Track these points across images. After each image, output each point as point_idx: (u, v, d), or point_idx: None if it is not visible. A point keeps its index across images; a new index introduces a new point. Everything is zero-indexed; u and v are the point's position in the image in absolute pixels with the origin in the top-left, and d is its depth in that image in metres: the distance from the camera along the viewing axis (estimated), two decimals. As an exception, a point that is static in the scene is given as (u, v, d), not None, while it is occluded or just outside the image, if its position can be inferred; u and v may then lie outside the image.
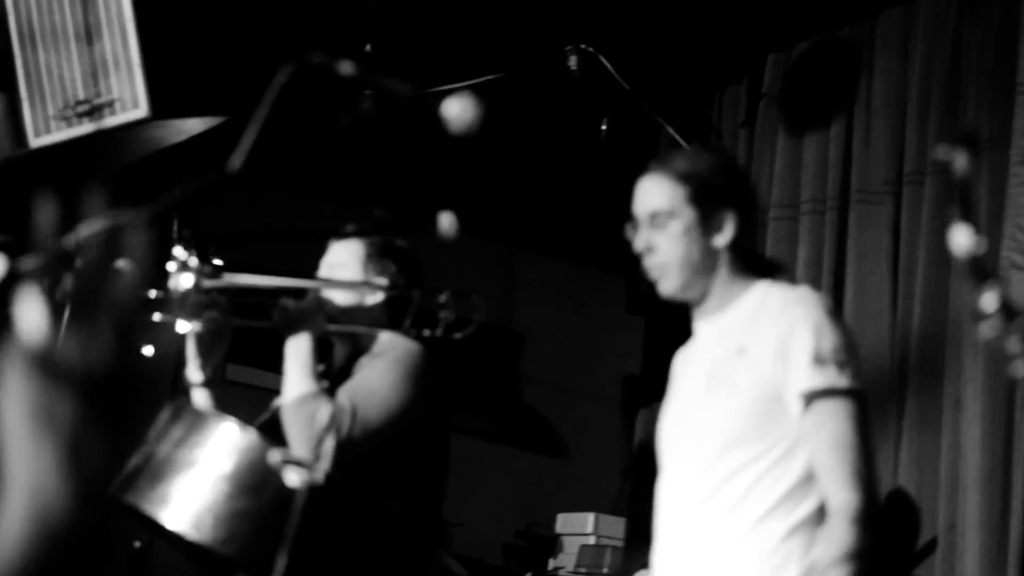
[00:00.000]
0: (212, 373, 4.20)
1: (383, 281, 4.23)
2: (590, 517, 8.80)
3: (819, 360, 3.19)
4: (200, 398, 4.18)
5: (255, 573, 3.06)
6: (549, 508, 9.06)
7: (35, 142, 5.33)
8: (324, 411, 3.75)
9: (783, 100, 6.43)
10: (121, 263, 2.56)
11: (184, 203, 2.35)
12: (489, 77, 6.13)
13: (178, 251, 3.81)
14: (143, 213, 2.38)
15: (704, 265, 3.45)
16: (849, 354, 3.23)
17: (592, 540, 8.68)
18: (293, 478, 2.88)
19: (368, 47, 5.74)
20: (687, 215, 3.46)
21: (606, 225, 8.84)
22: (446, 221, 3.55)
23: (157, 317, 4.14)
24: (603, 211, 8.76)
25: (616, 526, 8.44)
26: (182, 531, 3.03)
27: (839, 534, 3.09)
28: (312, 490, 2.69)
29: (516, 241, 9.61)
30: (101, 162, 5.81)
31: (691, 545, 3.35)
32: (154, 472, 3.14)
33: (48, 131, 5.34)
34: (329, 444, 3.68)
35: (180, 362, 4.50)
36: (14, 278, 2.16)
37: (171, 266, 3.85)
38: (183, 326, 6.40)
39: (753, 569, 3.21)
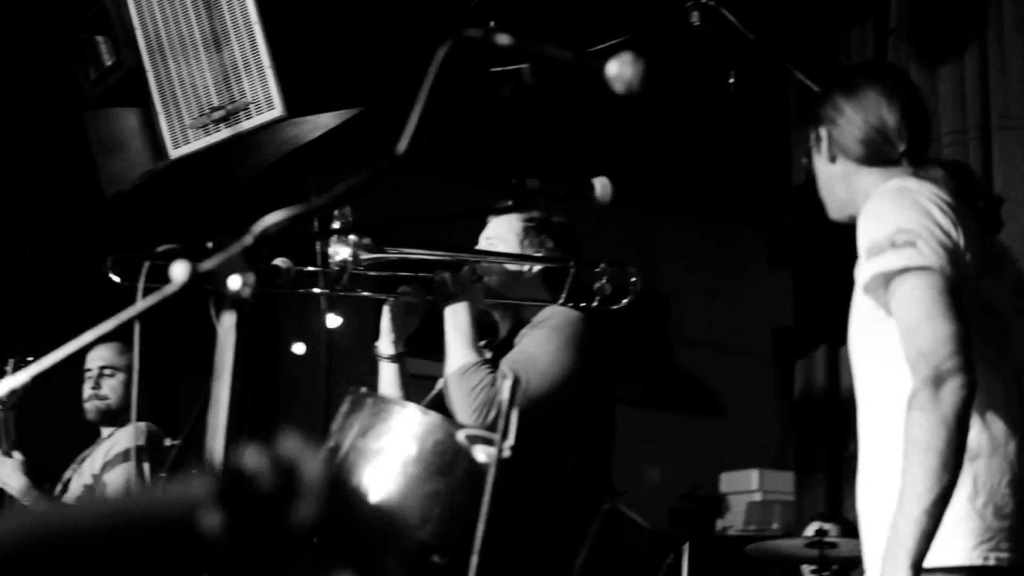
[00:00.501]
0: (403, 348, 4.23)
1: (540, 254, 4.23)
2: (754, 474, 8.75)
3: (872, 249, 3.06)
4: (388, 372, 4.22)
5: (452, 554, 3.06)
6: (711, 468, 9.03)
7: (174, 153, 5.38)
8: (489, 380, 3.75)
9: (912, 34, 6.31)
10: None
11: (357, 191, 2.34)
12: (614, 41, 6.10)
13: (336, 226, 3.86)
14: (317, 204, 2.38)
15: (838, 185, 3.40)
16: (912, 233, 3.04)
17: (758, 496, 8.63)
18: (481, 455, 2.87)
19: (492, 23, 5.73)
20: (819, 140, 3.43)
21: (742, 179, 8.82)
22: (601, 186, 3.53)
23: (319, 290, 4.21)
24: (737, 165, 8.75)
25: (781, 480, 8.38)
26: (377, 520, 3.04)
27: (905, 426, 2.94)
28: (509, 465, 2.68)
29: (652, 204, 9.56)
30: (243, 165, 5.87)
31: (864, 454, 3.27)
32: (341, 465, 3.16)
33: (187, 141, 5.39)
34: (491, 415, 3.69)
35: (331, 356, 4.54)
36: (195, 281, 2.17)
37: (331, 241, 3.90)
38: (334, 320, 6.45)
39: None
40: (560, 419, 3.95)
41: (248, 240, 2.25)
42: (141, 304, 2.36)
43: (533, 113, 6.34)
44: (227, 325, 2.19)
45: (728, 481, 8.92)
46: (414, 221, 3.98)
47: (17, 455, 5.54)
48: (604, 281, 4.12)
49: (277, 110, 5.14)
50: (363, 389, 3.30)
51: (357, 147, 5.39)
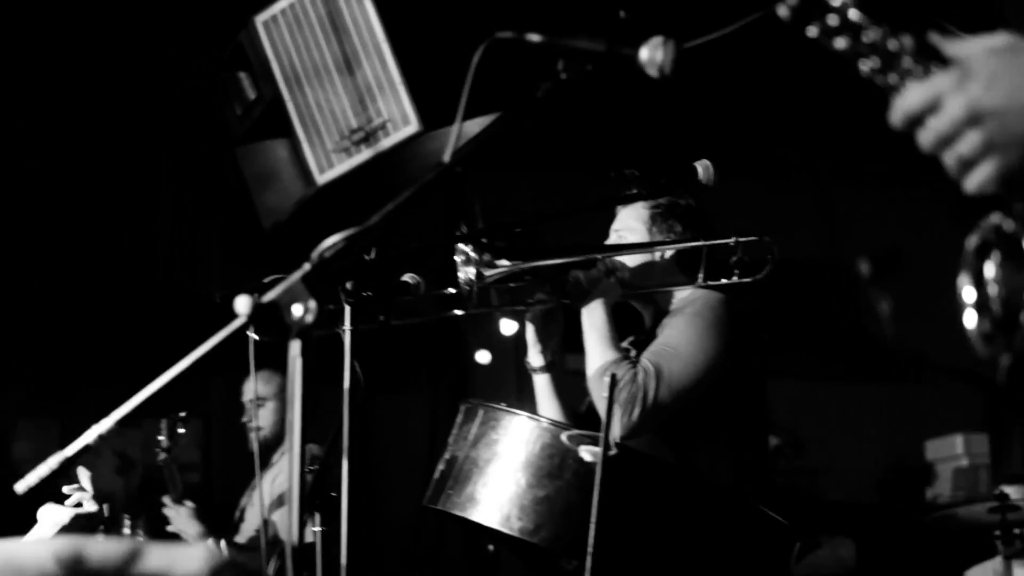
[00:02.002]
0: (552, 357, 4.23)
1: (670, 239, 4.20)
2: (959, 439, 8.52)
3: None
4: (541, 383, 4.23)
5: (573, 555, 3.05)
6: (915, 437, 8.84)
7: (321, 179, 5.46)
8: (630, 376, 3.72)
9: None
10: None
11: (407, 206, 2.35)
12: (755, 15, 5.99)
13: (460, 246, 3.88)
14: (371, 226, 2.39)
15: None
16: None
17: (964, 462, 8.41)
18: (587, 454, 2.85)
19: (622, 13, 5.68)
20: None
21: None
22: (703, 169, 3.48)
23: (460, 312, 4.23)
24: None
25: (987, 444, 8.17)
26: (493, 526, 3.05)
27: None
28: (615, 462, 2.66)
29: (831, 173, 9.41)
30: (388, 183, 5.93)
31: None
32: (456, 475, 3.17)
33: (331, 165, 5.46)
34: (636, 411, 3.65)
35: (520, 363, 4.55)
36: (259, 313, 2.20)
37: (457, 261, 3.92)
38: (508, 327, 6.47)
39: None
40: (708, 405, 3.90)
41: (306, 268, 2.27)
42: (218, 338, 2.39)
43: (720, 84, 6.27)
44: (293, 353, 2.21)
45: (933, 448, 8.72)
46: (541, 220, 3.97)
47: (188, 504, 5.68)
48: (740, 255, 4.06)
49: (413, 125, 5.19)
50: (473, 400, 3.32)
51: (515, 149, 5.44)
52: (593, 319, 3.96)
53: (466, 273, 3.85)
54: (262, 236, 5.89)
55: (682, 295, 4.11)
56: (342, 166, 5.38)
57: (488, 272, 3.87)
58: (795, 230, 8.33)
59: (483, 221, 4.05)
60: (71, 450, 2.39)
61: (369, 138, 5.29)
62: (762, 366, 4.11)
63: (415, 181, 6.10)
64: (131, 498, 8.73)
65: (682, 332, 3.91)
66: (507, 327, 7.20)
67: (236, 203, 6.70)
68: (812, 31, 1.98)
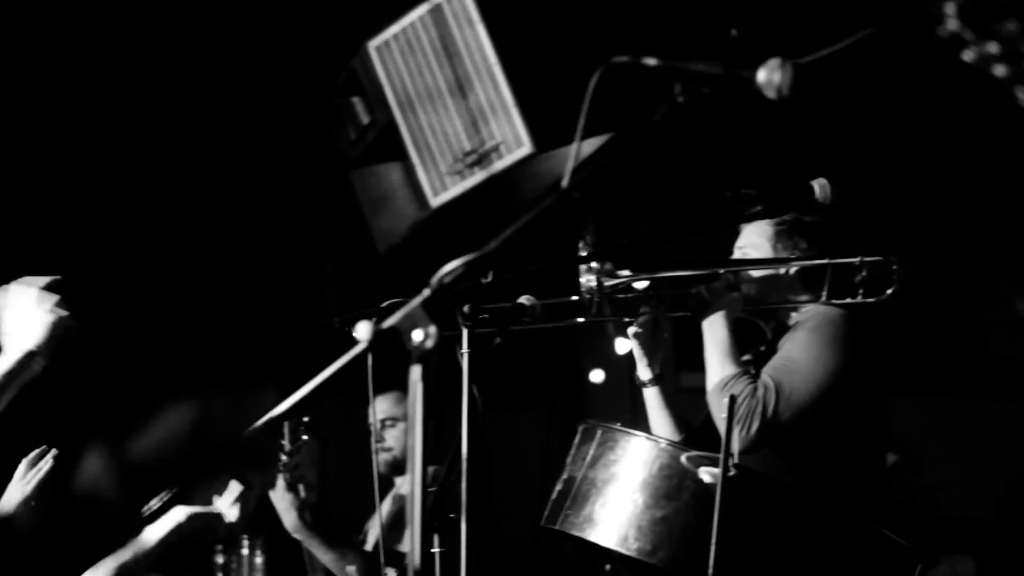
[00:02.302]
0: (660, 370, 4.23)
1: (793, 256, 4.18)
2: (1080, 454, 8.41)
3: None
4: (650, 397, 4.23)
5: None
6: (1035, 453, 8.72)
7: (435, 201, 5.51)
8: (749, 391, 3.71)
9: None
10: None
11: (526, 230, 2.38)
12: (867, 31, 5.96)
13: (583, 255, 3.90)
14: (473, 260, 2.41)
15: None
16: None
17: (1086, 478, 8.30)
18: (706, 476, 2.85)
19: (733, 31, 5.67)
20: None
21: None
22: (820, 188, 3.47)
23: (581, 320, 4.24)
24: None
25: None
26: (611, 547, 3.06)
27: None
28: (734, 483, 2.65)
29: (946, 191, 9.31)
30: (504, 206, 5.96)
31: None
32: (574, 496, 3.18)
33: (445, 188, 5.50)
34: (755, 426, 3.64)
35: (633, 381, 4.57)
36: (380, 339, 2.23)
37: (580, 269, 3.94)
38: (622, 346, 6.50)
39: None
40: (827, 421, 3.88)
41: (426, 292, 2.30)
42: (341, 363, 2.43)
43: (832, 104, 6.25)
44: (414, 378, 2.24)
45: (1054, 465, 8.59)
46: (664, 239, 3.98)
47: (302, 490, 5.67)
48: (864, 274, 4.05)
49: (526, 147, 5.21)
50: (591, 420, 3.33)
51: (630, 170, 5.45)
52: (714, 333, 3.96)
53: (587, 281, 3.88)
54: (377, 260, 5.95)
55: (803, 310, 4.10)
56: (456, 188, 5.42)
57: (609, 281, 3.89)
58: (911, 245, 8.25)
59: (597, 240, 4.07)
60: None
61: (482, 160, 5.32)
62: (883, 382, 4.08)
63: (528, 203, 6.14)
64: (248, 518, 8.82)
65: (803, 347, 3.90)
66: (621, 346, 7.20)
67: (350, 227, 6.77)
68: (969, 56, 1.97)
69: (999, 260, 9.50)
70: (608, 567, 6.79)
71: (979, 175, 9.06)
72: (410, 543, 2.24)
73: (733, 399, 2.83)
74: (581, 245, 3.86)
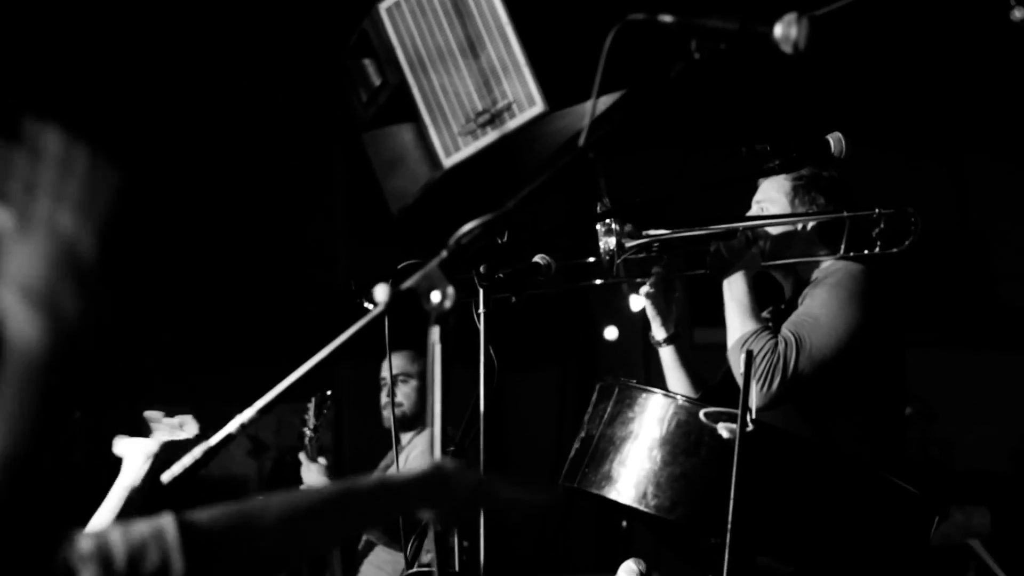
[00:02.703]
0: (675, 328, 4.24)
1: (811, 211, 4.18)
2: (1097, 406, 8.40)
3: None
4: (666, 356, 4.24)
5: (709, 532, 3.05)
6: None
7: (447, 162, 5.50)
8: (770, 346, 3.71)
9: None
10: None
11: (542, 190, 2.37)
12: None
13: (601, 217, 3.90)
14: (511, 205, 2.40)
15: None
16: None
17: (1102, 430, 8.29)
18: (724, 431, 2.85)
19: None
20: None
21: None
22: (835, 142, 3.46)
23: (601, 281, 4.24)
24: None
25: None
26: (630, 504, 3.06)
27: None
28: (753, 439, 2.65)
29: (961, 146, 9.29)
30: (517, 164, 5.95)
31: None
32: (592, 454, 3.18)
33: (457, 148, 5.50)
34: (776, 381, 3.64)
35: (647, 339, 4.57)
36: (398, 301, 2.22)
37: (599, 230, 3.94)
38: (636, 303, 6.51)
39: None
40: (847, 377, 3.87)
41: (443, 254, 2.29)
42: (359, 325, 2.43)
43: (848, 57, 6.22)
44: (433, 339, 2.24)
45: (1070, 416, 8.59)
46: (668, 198, 3.97)
47: (322, 460, 5.74)
48: (882, 226, 4.04)
49: (539, 106, 5.21)
50: (609, 378, 3.33)
51: (640, 127, 5.44)
52: (734, 291, 3.96)
53: (607, 243, 3.88)
54: (389, 221, 5.95)
55: (823, 266, 4.09)
56: (468, 149, 5.41)
57: (630, 242, 3.89)
58: (926, 199, 8.23)
59: (608, 197, 4.06)
60: (214, 440, 2.43)
61: (495, 120, 5.31)
62: (902, 338, 4.07)
63: (543, 162, 6.15)
64: (263, 480, 8.86)
65: (823, 303, 3.90)
66: (635, 303, 7.19)
67: (362, 189, 6.76)
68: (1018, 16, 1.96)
69: (1014, 213, 9.48)
70: (624, 523, 6.80)
71: (994, 129, 9.03)
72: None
73: (750, 354, 2.83)
74: (599, 206, 3.85)
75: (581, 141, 2.18)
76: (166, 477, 2.35)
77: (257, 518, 1.84)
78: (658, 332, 4.24)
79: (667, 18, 2.14)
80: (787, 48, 2.11)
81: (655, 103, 2.25)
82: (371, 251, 8.14)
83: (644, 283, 4.22)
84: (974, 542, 6.42)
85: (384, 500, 1.93)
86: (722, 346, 4.06)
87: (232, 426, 2.38)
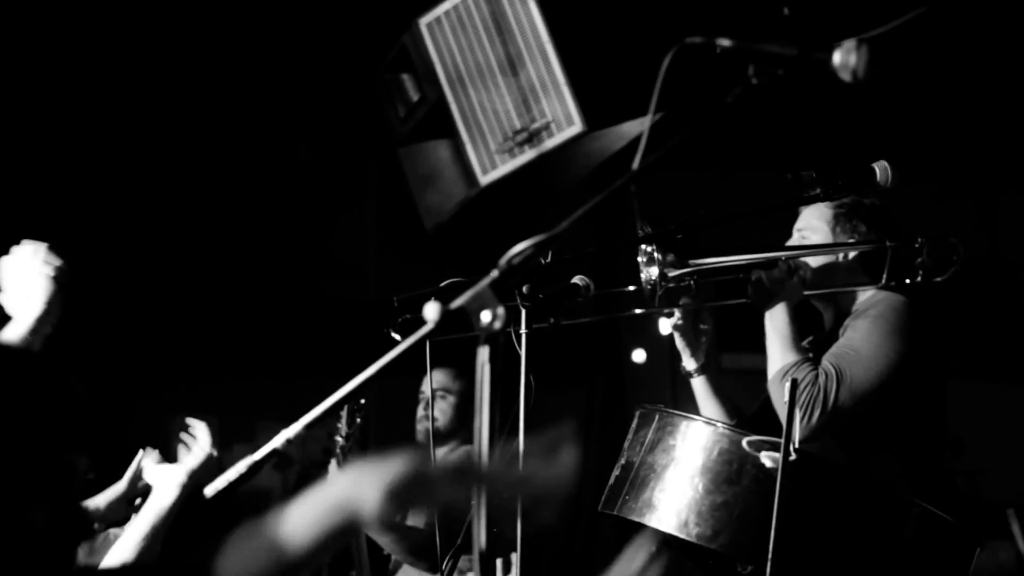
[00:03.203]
0: (705, 359, 4.21)
1: (853, 239, 4.15)
2: None
3: None
4: (698, 386, 4.22)
5: (751, 562, 3.03)
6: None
7: (484, 179, 5.49)
8: (811, 378, 3.69)
9: None
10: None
11: (596, 210, 2.36)
12: (914, 12, 5.92)
13: (643, 246, 3.88)
14: (558, 232, 2.39)
15: None
16: None
17: None
18: (768, 460, 2.84)
19: (786, 10, 5.64)
20: None
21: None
22: (881, 171, 3.44)
23: (641, 312, 4.23)
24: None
25: None
26: (671, 532, 3.04)
27: None
28: (795, 468, 2.64)
29: (994, 176, 9.27)
30: (552, 184, 5.94)
31: None
32: (633, 481, 3.17)
33: (494, 166, 5.49)
34: (816, 414, 3.62)
35: (675, 362, 4.56)
36: (447, 320, 2.21)
37: (640, 261, 3.92)
38: (665, 326, 6.48)
39: None
40: (887, 410, 3.85)
41: (495, 274, 2.28)
42: (409, 343, 2.41)
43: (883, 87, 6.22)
44: (482, 359, 2.22)
45: (1097, 450, 8.54)
46: (722, 221, 3.94)
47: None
48: (925, 256, 4.02)
49: (577, 126, 5.20)
50: (649, 405, 3.31)
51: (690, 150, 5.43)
52: (775, 322, 3.93)
53: (649, 273, 3.85)
54: (419, 237, 5.95)
55: (865, 296, 4.06)
56: (505, 167, 5.41)
57: (673, 272, 3.87)
58: (958, 230, 8.19)
59: (643, 222, 4.03)
60: (259, 455, 2.42)
61: (533, 139, 5.30)
62: (944, 371, 4.05)
63: (578, 181, 6.12)
64: (288, 494, 8.86)
65: (865, 335, 3.87)
66: (664, 327, 7.17)
67: (396, 205, 6.76)
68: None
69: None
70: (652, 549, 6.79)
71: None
72: (476, 525, 2.23)
73: (795, 382, 2.81)
74: (640, 234, 3.83)
75: (635, 164, 2.16)
76: (209, 491, 2.34)
77: (282, 551, 1.84)
78: (688, 363, 4.22)
79: (726, 42, 2.13)
80: (846, 76, 2.10)
81: (709, 127, 2.23)
82: (402, 267, 8.13)
83: (671, 314, 4.20)
84: None
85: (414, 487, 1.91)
86: (748, 371, 4.04)
87: (277, 441, 2.37)
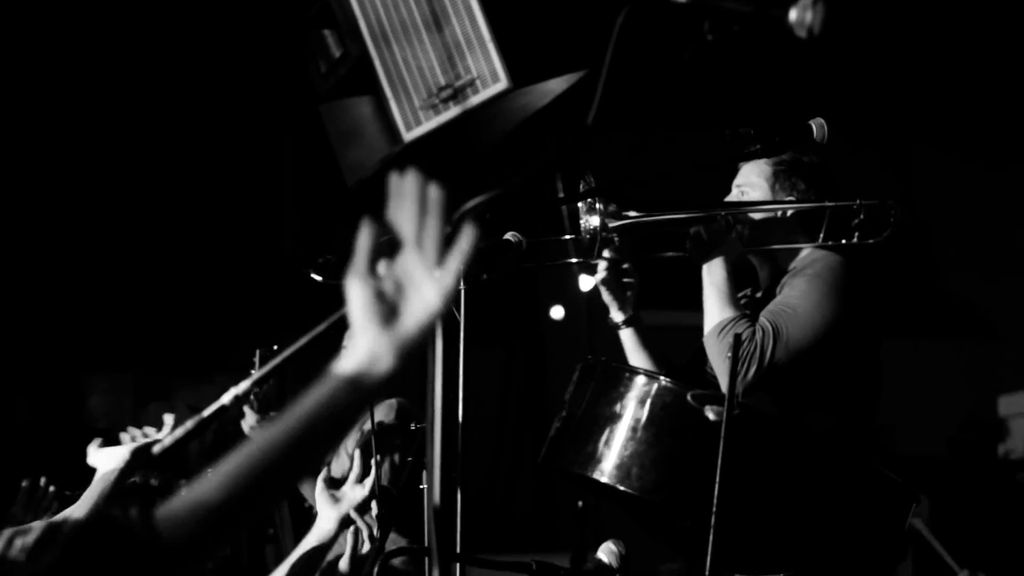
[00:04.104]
0: (633, 311, 4.23)
1: (791, 198, 4.17)
2: (1033, 394, 8.48)
3: None
4: (625, 338, 4.23)
5: (692, 515, 3.05)
6: (988, 393, 8.79)
7: (408, 136, 5.46)
8: (748, 335, 3.72)
9: None
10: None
11: (550, 167, 2.35)
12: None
13: (584, 197, 3.89)
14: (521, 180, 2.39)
15: None
16: None
17: (1040, 418, 8.37)
18: (711, 414, 2.86)
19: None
20: None
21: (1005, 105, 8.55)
22: (817, 128, 3.46)
23: (571, 263, 4.25)
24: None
25: (1064, 398, 8.12)
26: (613, 485, 3.05)
27: None
28: (736, 423, 2.66)
29: (908, 137, 9.37)
30: (476, 140, 5.93)
31: None
32: (575, 434, 3.17)
33: (418, 123, 5.46)
34: (752, 370, 3.66)
35: (594, 318, 4.57)
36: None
37: (581, 208, 3.93)
38: (587, 282, 6.51)
39: None
40: (821, 368, 3.89)
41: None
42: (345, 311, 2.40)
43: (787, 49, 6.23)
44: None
45: (1006, 404, 8.67)
46: (656, 177, 3.95)
47: (271, 414, 5.65)
48: (861, 217, 4.06)
49: (503, 83, 5.18)
50: (591, 357, 3.31)
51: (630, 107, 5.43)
52: (714, 276, 3.96)
53: (589, 222, 3.86)
54: (342, 193, 5.91)
55: (803, 255, 4.09)
56: (429, 124, 5.38)
57: (614, 223, 3.88)
58: (873, 189, 8.28)
59: (591, 177, 4.03)
60: (207, 412, 2.40)
61: (457, 95, 5.28)
62: (879, 330, 4.10)
63: (503, 139, 6.11)
64: (204, 451, 8.80)
65: (802, 294, 3.90)
66: (585, 283, 7.17)
67: (314, 161, 6.72)
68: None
69: (959, 204, 9.55)
70: (580, 503, 6.79)
71: (941, 121, 9.11)
72: (429, 481, 2.23)
73: (738, 337, 2.82)
74: (582, 184, 3.83)
75: (589, 119, 2.16)
76: (158, 449, 2.32)
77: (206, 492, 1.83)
78: (616, 315, 4.23)
79: (681, -1, 2.12)
80: (801, 33, 2.11)
81: (666, 84, 2.23)
82: (321, 224, 8.09)
83: (596, 267, 4.20)
84: (917, 522, 6.48)
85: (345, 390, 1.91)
86: (667, 328, 4.06)
87: (225, 398, 2.35)
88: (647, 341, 4.21)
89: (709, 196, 4.21)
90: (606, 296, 4.22)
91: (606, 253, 4.14)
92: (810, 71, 7.81)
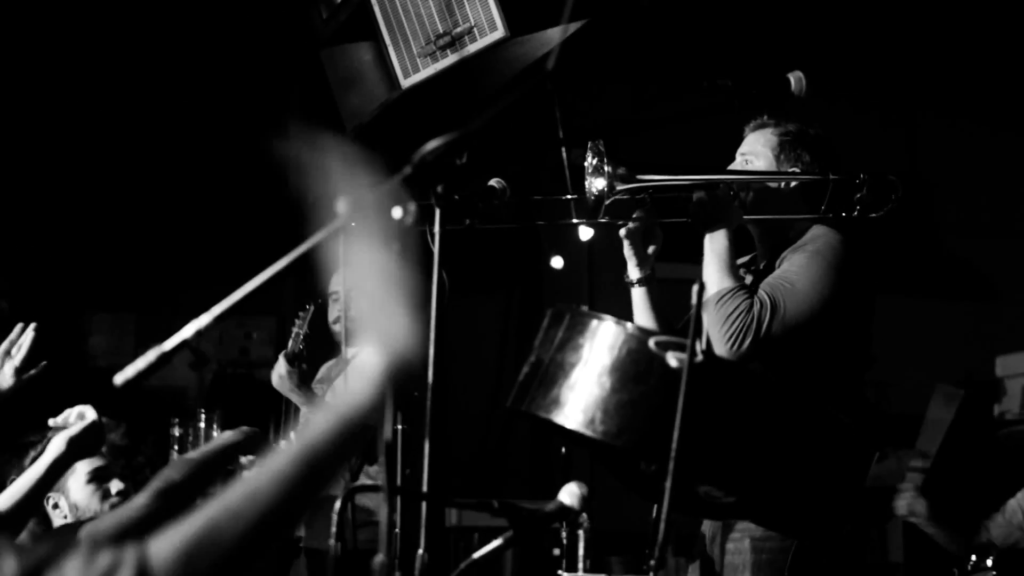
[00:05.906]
0: (649, 271, 4.24)
1: (796, 169, 4.18)
2: (1030, 355, 8.51)
3: None
4: (637, 297, 4.26)
5: (655, 460, 3.10)
6: (986, 353, 8.81)
7: (406, 83, 5.51)
8: (745, 306, 3.77)
9: None
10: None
11: (510, 111, 2.39)
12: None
13: (591, 157, 3.90)
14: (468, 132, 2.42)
15: None
16: None
17: (1035, 378, 8.40)
18: (673, 360, 2.90)
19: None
20: None
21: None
22: (796, 81, 3.49)
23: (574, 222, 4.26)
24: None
25: (1060, 360, 8.15)
26: (577, 429, 3.09)
27: None
28: (701, 370, 2.70)
29: (912, 98, 9.36)
30: (474, 90, 5.96)
31: None
32: (542, 378, 3.21)
33: (417, 70, 5.51)
34: (747, 341, 3.71)
35: (593, 269, 4.60)
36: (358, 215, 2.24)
37: (587, 169, 3.94)
38: (586, 233, 6.49)
39: None
40: (816, 343, 3.93)
41: (407, 170, 2.31)
42: (320, 236, 2.44)
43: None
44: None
45: (1003, 365, 8.69)
46: (630, 132, 3.98)
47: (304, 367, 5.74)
48: (865, 191, 4.07)
49: (500, 31, 5.23)
50: (564, 304, 3.35)
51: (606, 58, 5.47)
52: (715, 245, 3.97)
53: (594, 184, 3.87)
54: (343, 138, 5.95)
55: (805, 230, 4.11)
56: (427, 70, 5.43)
57: (620, 186, 3.89)
58: (875, 149, 8.31)
59: (600, 143, 4.03)
60: (169, 344, 2.41)
61: (455, 43, 5.33)
62: (873, 308, 4.12)
63: (506, 84, 6.13)
64: (203, 392, 8.88)
65: (802, 269, 3.92)
66: (584, 233, 7.21)
67: (315, 105, 6.74)
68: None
69: (961, 165, 9.55)
70: (564, 449, 6.87)
71: (945, 83, 9.10)
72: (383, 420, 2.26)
73: (703, 286, 2.87)
74: (590, 146, 3.83)
75: (550, 65, 2.20)
76: (119, 379, 2.34)
77: (223, 528, 1.81)
78: (633, 272, 4.24)
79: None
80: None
81: (625, 32, 2.27)
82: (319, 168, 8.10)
83: (623, 225, 4.20)
84: (905, 486, 6.51)
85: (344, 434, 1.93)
86: (673, 281, 4.08)
87: (187, 332, 2.37)
88: (655, 303, 4.23)
89: (715, 164, 4.21)
90: (628, 251, 4.22)
91: (636, 213, 4.14)
92: (813, 33, 7.81)
